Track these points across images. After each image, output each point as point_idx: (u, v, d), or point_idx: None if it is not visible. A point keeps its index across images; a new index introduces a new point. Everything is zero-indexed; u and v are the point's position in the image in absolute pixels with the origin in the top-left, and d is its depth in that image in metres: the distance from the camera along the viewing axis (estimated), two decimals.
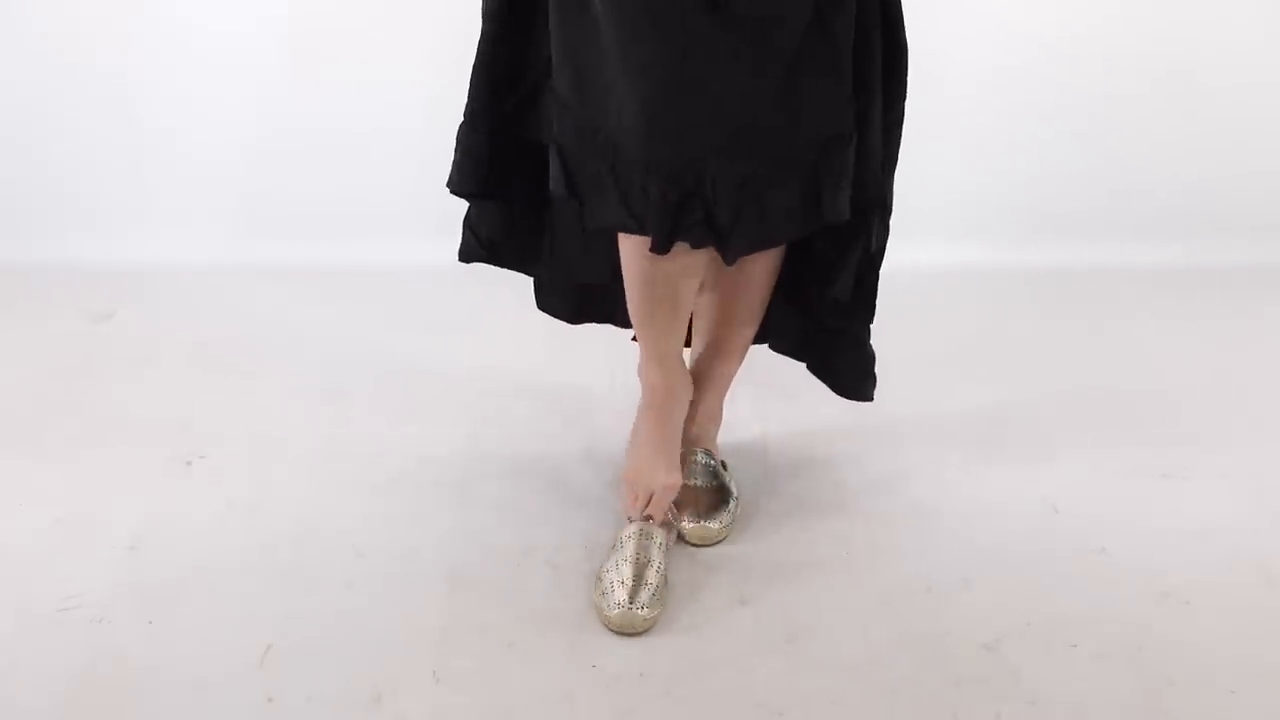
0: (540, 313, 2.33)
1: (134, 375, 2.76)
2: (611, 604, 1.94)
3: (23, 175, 3.43)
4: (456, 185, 2.06)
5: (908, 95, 2.00)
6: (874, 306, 2.12)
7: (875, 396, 2.24)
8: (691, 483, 2.20)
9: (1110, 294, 3.30)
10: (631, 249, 1.98)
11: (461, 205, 2.13)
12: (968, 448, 2.48)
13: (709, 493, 2.19)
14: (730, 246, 1.90)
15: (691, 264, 1.98)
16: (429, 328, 2.94)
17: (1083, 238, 3.51)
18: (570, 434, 2.47)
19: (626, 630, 1.92)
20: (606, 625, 1.93)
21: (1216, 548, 2.16)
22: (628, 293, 2.04)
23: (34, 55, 3.38)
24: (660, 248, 1.87)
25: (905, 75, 1.97)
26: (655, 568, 1.99)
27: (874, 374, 2.23)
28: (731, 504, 2.19)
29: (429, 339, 2.89)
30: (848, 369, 2.23)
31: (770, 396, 2.37)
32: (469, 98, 2.02)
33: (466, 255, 2.16)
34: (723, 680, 1.83)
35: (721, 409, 2.30)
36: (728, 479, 2.23)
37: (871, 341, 2.20)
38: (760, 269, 2.11)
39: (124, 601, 1.98)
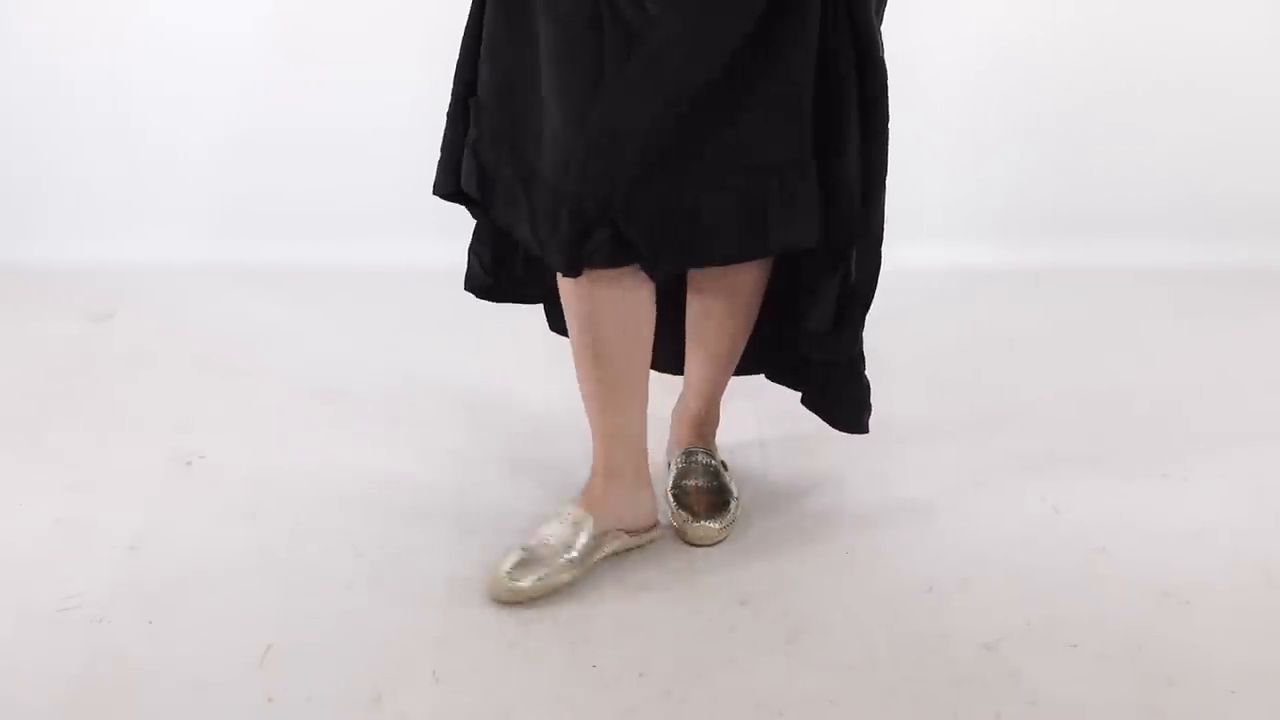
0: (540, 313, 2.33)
1: (134, 375, 2.76)
2: (495, 568, 1.98)
3: (22, 175, 3.43)
4: (438, 186, 2.07)
5: (889, 116, 1.95)
6: (857, 340, 2.09)
7: (870, 426, 2.20)
8: (692, 483, 2.20)
9: (1110, 294, 3.30)
10: (569, 291, 1.98)
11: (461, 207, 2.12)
12: (967, 447, 2.48)
13: (709, 493, 2.19)
14: (657, 265, 1.91)
15: (634, 311, 1.98)
16: (429, 328, 2.94)
17: (1082, 237, 3.50)
18: (570, 433, 2.46)
19: (494, 597, 1.96)
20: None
21: (1216, 548, 2.16)
22: (576, 363, 2.05)
23: (32, 56, 3.38)
24: (569, 271, 1.90)
25: (885, 100, 1.92)
26: (562, 551, 2.00)
27: (869, 404, 2.18)
28: (732, 504, 2.19)
29: (429, 339, 2.89)
30: (842, 402, 2.19)
31: (770, 397, 2.37)
32: (451, 96, 2.03)
33: (471, 282, 2.17)
34: (723, 680, 1.83)
35: (719, 410, 2.30)
36: (728, 479, 2.23)
37: (866, 371, 2.17)
38: (746, 280, 2.10)
39: (124, 601, 1.97)
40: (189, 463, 2.39)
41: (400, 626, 1.94)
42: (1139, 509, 2.27)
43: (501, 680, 1.82)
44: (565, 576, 2.00)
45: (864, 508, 2.27)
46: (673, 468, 2.24)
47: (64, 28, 3.36)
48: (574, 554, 2.01)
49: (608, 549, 2.06)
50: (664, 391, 2.34)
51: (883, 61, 1.90)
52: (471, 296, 2.22)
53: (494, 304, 2.26)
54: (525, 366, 2.68)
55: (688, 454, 2.24)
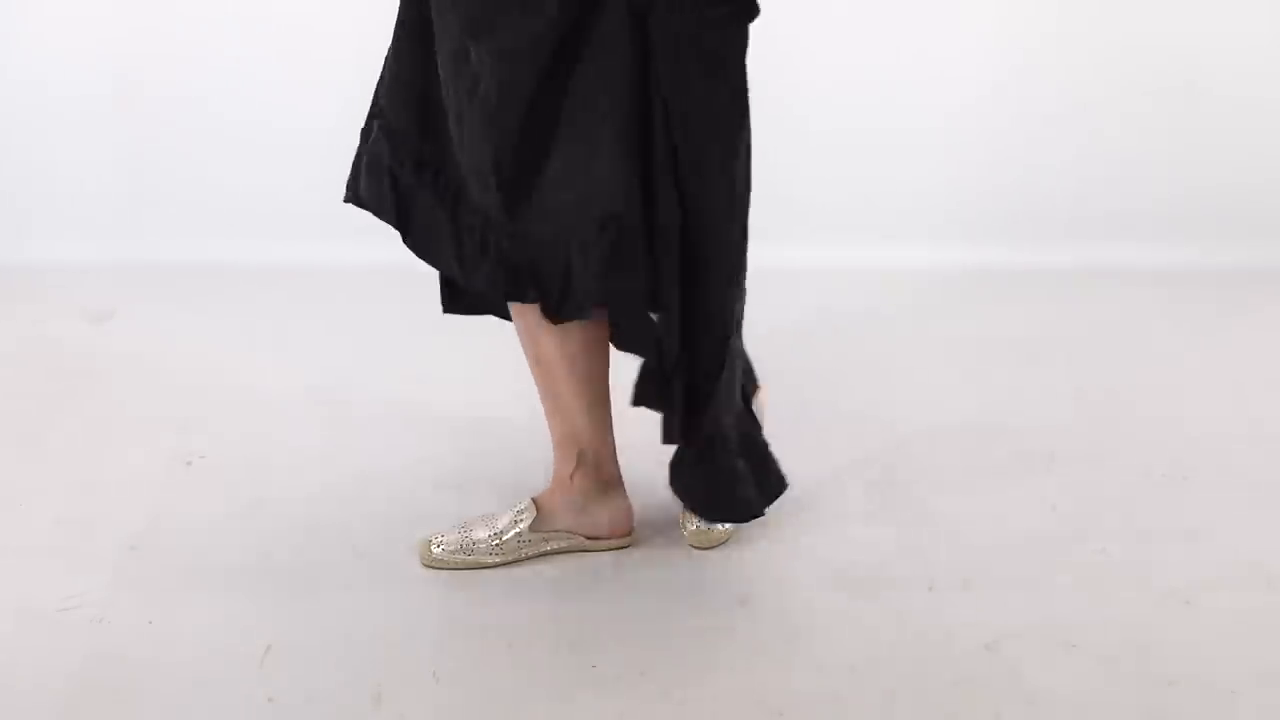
0: None
1: (134, 375, 2.76)
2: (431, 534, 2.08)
3: (23, 175, 3.43)
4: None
5: (716, 185, 1.88)
6: (709, 428, 1.99)
7: (754, 516, 2.10)
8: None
9: (1110, 294, 3.30)
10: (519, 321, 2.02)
11: None
12: (968, 448, 2.48)
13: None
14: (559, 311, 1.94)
15: (569, 332, 1.99)
16: (428, 328, 2.93)
17: (1083, 238, 3.51)
18: None
19: (420, 559, 2.06)
20: None
21: (1216, 548, 2.16)
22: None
23: (33, 56, 3.38)
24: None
25: (703, 167, 1.86)
26: (491, 536, 2.05)
27: (726, 499, 2.06)
28: None
29: (428, 339, 2.89)
30: (686, 483, 2.07)
31: (769, 397, 2.36)
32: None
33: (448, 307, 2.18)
34: (723, 680, 1.83)
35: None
36: None
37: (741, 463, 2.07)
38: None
39: (124, 601, 1.97)
40: (189, 463, 2.40)
41: (400, 626, 1.94)
42: (1139, 509, 2.28)
43: (501, 680, 1.82)
44: (490, 559, 2.06)
45: (864, 507, 2.27)
46: None
47: (64, 29, 3.36)
48: (498, 541, 2.06)
49: (551, 546, 2.09)
50: None
51: (704, 122, 1.84)
52: None
53: None
54: (524, 366, 2.68)
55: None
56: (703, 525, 2.13)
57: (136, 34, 3.37)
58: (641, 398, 1.99)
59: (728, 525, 2.15)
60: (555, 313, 1.93)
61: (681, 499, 2.10)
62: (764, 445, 2.12)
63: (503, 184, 1.84)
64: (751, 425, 2.12)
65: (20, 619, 1.93)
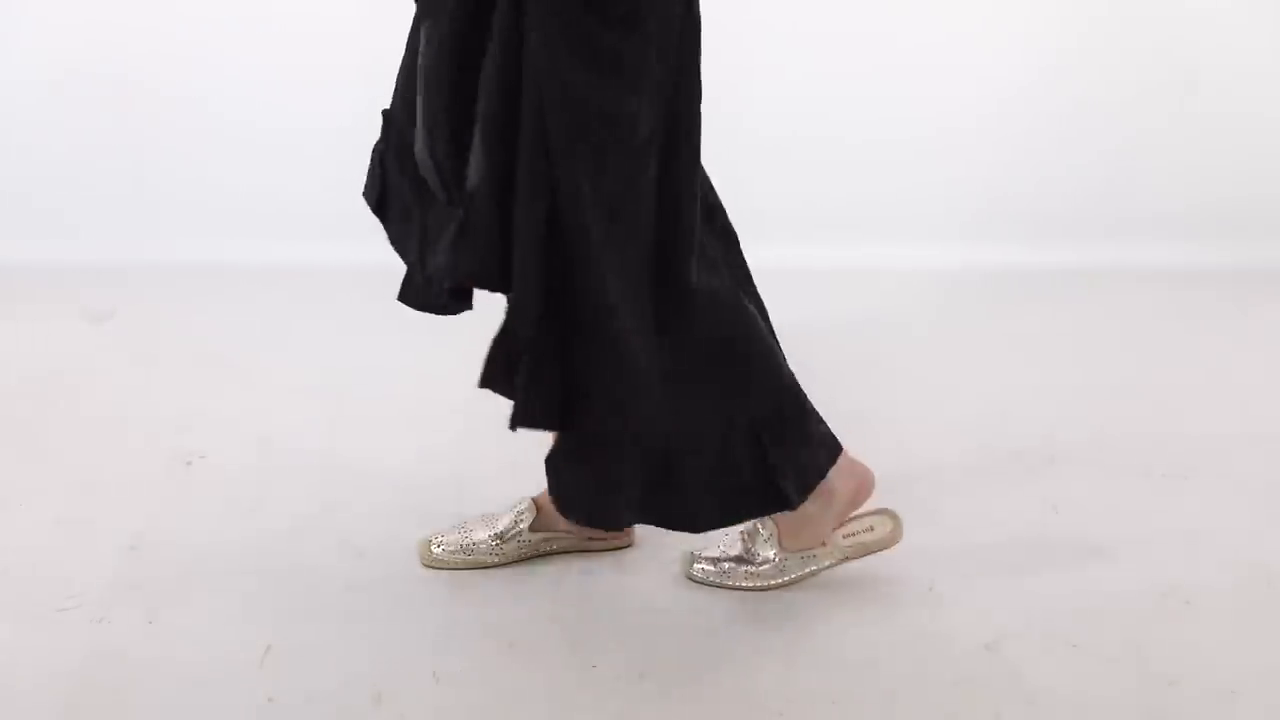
0: None
1: (134, 375, 2.76)
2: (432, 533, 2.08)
3: (23, 175, 3.44)
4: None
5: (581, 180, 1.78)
6: (536, 414, 1.88)
7: (614, 528, 2.05)
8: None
9: (1111, 294, 3.30)
10: None
11: None
12: (968, 448, 2.48)
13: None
14: None
15: None
16: (428, 327, 2.92)
17: (1083, 238, 3.51)
18: None
19: (419, 558, 2.06)
20: None
21: (1216, 548, 2.16)
22: None
23: (34, 56, 3.38)
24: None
25: (566, 125, 1.75)
26: (492, 536, 2.05)
27: (585, 501, 1.94)
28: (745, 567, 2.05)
29: (428, 338, 2.88)
30: (556, 478, 1.94)
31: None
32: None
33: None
34: (723, 680, 1.83)
35: None
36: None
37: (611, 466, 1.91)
38: None
39: (124, 601, 1.97)
40: (189, 463, 2.40)
41: (400, 626, 1.94)
42: (1139, 509, 2.28)
43: (501, 680, 1.82)
44: (491, 559, 2.06)
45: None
46: None
47: (65, 29, 3.37)
48: (498, 541, 2.06)
49: (551, 546, 2.10)
50: None
51: (572, 112, 1.75)
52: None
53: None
54: None
55: None
56: (708, 566, 2.06)
57: (136, 34, 3.37)
58: (487, 378, 1.92)
59: (743, 579, 2.04)
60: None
61: (552, 495, 1.96)
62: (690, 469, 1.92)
63: (441, 173, 1.83)
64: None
65: (20, 619, 1.93)
